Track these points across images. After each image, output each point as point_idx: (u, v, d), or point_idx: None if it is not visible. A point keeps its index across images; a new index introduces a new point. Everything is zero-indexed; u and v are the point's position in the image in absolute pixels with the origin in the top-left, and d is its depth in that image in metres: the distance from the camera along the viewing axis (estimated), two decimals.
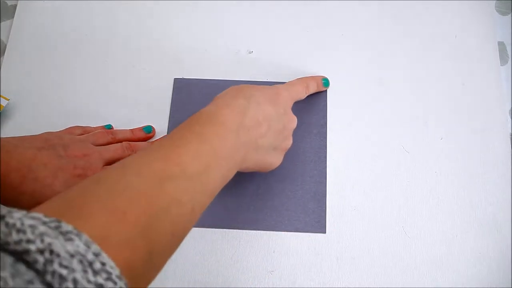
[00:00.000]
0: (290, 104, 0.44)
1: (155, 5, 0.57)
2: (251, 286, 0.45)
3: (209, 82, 0.53)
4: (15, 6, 0.58)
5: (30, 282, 0.20)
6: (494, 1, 0.56)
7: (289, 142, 0.44)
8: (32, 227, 0.22)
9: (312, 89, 0.49)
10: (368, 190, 0.48)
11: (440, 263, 0.45)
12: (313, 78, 0.50)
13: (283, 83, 0.52)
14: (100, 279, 0.22)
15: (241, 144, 0.37)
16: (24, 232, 0.21)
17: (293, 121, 0.44)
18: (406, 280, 0.44)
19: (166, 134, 0.51)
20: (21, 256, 0.21)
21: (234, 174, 0.37)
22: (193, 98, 0.52)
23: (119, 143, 0.47)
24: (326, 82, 0.51)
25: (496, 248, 0.45)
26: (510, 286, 0.44)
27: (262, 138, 0.39)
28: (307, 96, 0.52)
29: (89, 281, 0.21)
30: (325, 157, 0.49)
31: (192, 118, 0.37)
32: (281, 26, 0.55)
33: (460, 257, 0.45)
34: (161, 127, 0.51)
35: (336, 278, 0.45)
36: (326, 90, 0.52)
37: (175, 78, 0.53)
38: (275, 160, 0.43)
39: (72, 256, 0.22)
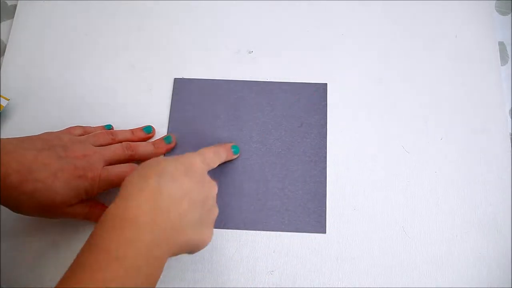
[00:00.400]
0: (206, 172, 0.40)
1: (155, 5, 0.57)
2: (251, 286, 0.45)
3: (209, 82, 0.53)
4: (15, 6, 0.58)
5: None
6: (494, 1, 0.56)
7: (216, 210, 0.41)
8: None
9: (224, 157, 0.46)
10: (368, 190, 0.48)
11: (440, 263, 0.45)
12: (223, 146, 0.47)
13: (283, 83, 0.52)
14: None
15: (160, 233, 0.33)
16: None
17: (214, 188, 0.40)
18: (406, 280, 0.44)
19: (166, 134, 0.51)
20: None
21: (163, 266, 0.34)
22: (193, 98, 0.52)
23: (119, 144, 0.47)
24: (236, 150, 0.49)
25: (496, 248, 0.45)
26: (510, 286, 0.44)
27: (186, 216, 0.36)
28: (307, 96, 0.52)
29: None
30: (325, 157, 0.49)
31: (101, 224, 0.33)
32: (281, 26, 0.55)
33: (460, 257, 0.45)
34: (161, 127, 0.51)
35: (336, 278, 0.45)
36: (326, 90, 0.52)
37: (175, 78, 0.53)
38: (205, 236, 0.39)
39: None
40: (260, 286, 0.45)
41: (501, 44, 0.54)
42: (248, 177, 0.49)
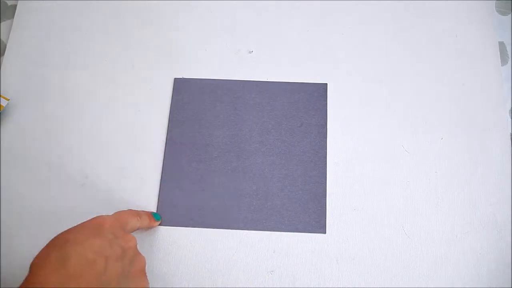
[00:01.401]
0: (119, 229, 0.39)
1: (155, 5, 0.57)
2: (251, 286, 0.45)
3: (209, 82, 0.53)
4: (15, 6, 0.58)
5: None
6: (494, 1, 0.56)
7: (142, 259, 0.40)
8: None
9: (145, 221, 0.44)
10: (368, 190, 0.48)
11: (440, 263, 0.45)
12: (144, 212, 0.45)
13: (283, 83, 0.52)
14: None
15: None
16: None
17: (132, 240, 0.39)
18: (406, 280, 0.44)
19: (166, 135, 0.51)
20: None
21: None
22: (193, 98, 0.52)
23: None
24: (157, 217, 0.47)
25: (496, 248, 0.45)
26: (510, 286, 0.44)
27: (105, 274, 0.34)
28: (307, 96, 0.52)
29: None
30: (325, 157, 0.49)
31: None
32: (281, 26, 0.55)
33: (460, 257, 0.45)
34: (161, 127, 0.51)
35: (336, 278, 0.45)
36: (326, 90, 0.52)
37: (175, 78, 0.53)
38: (139, 285, 0.38)
39: None
40: (260, 286, 0.45)
41: (501, 44, 0.54)
42: (248, 177, 0.49)
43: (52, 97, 0.53)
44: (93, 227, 0.37)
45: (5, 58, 0.55)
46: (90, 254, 0.34)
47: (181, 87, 0.53)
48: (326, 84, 0.52)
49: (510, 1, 0.56)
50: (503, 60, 0.53)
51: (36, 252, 0.46)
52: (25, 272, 0.45)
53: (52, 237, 0.46)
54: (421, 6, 0.55)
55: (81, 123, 0.50)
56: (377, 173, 0.48)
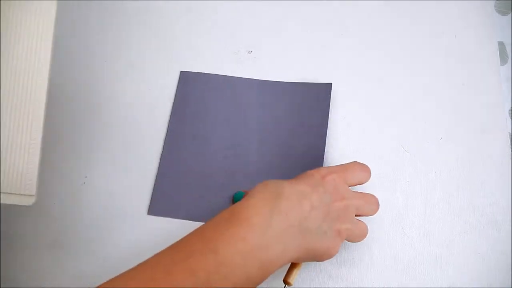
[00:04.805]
0: (324, 181, 0.39)
1: (155, 5, 0.57)
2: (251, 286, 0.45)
3: (214, 77, 0.53)
4: None
5: None
6: (494, 1, 0.56)
7: (343, 225, 0.39)
8: None
9: (354, 176, 0.42)
10: (368, 190, 0.48)
11: (440, 263, 0.45)
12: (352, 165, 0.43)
13: (288, 82, 0.52)
14: None
15: (274, 236, 0.34)
16: None
17: (341, 200, 0.39)
18: (406, 280, 0.44)
19: (167, 127, 0.51)
20: None
21: (269, 270, 0.34)
22: (197, 92, 0.52)
23: None
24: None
25: (496, 248, 0.45)
26: (510, 286, 0.44)
27: (307, 220, 0.36)
28: (310, 96, 0.51)
29: None
30: (324, 157, 0.49)
31: (217, 216, 0.35)
32: (281, 26, 0.55)
33: (460, 257, 0.45)
34: (164, 117, 0.51)
35: (336, 278, 0.45)
36: (330, 90, 0.51)
37: (181, 71, 0.54)
38: (329, 244, 0.38)
39: None
40: (260, 286, 0.45)
41: (501, 44, 0.54)
42: (246, 175, 0.49)
43: (52, 97, 0.53)
44: (301, 177, 0.39)
45: None
46: (298, 195, 0.36)
47: (186, 80, 0.53)
48: (331, 84, 0.52)
49: (509, 1, 0.56)
50: (503, 60, 0.53)
51: (36, 251, 0.46)
52: (25, 272, 0.45)
53: (52, 238, 0.46)
54: (421, 6, 0.55)
55: (80, 122, 0.50)
56: (377, 173, 0.48)
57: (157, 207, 0.48)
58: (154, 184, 0.49)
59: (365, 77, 0.53)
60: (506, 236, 0.46)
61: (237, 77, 0.53)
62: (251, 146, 0.50)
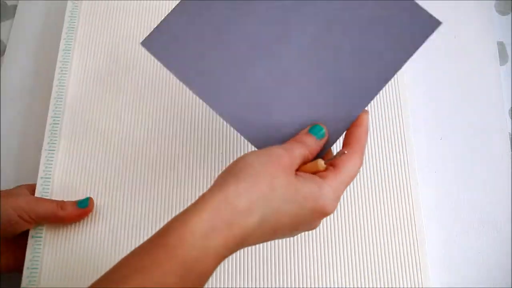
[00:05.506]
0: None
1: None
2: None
3: None
4: (15, 6, 0.58)
5: None
6: (494, 1, 0.56)
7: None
8: None
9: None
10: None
11: (440, 263, 0.45)
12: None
13: None
14: None
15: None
16: None
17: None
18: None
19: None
20: None
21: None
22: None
23: None
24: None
25: (496, 248, 0.45)
26: (510, 286, 0.44)
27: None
28: (398, 20, 0.36)
29: None
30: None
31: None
32: None
33: (460, 257, 0.45)
34: None
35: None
36: (431, 29, 0.36)
37: None
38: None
39: None
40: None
41: (501, 44, 0.54)
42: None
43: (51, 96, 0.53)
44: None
45: (5, 58, 0.55)
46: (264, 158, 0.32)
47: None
48: (440, 23, 0.35)
49: (509, 1, 0.56)
50: (503, 60, 0.53)
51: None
52: (26, 272, 0.45)
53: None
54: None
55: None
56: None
57: (156, 40, 0.40)
58: (166, 16, 0.41)
59: None
60: (506, 236, 0.46)
61: None
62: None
